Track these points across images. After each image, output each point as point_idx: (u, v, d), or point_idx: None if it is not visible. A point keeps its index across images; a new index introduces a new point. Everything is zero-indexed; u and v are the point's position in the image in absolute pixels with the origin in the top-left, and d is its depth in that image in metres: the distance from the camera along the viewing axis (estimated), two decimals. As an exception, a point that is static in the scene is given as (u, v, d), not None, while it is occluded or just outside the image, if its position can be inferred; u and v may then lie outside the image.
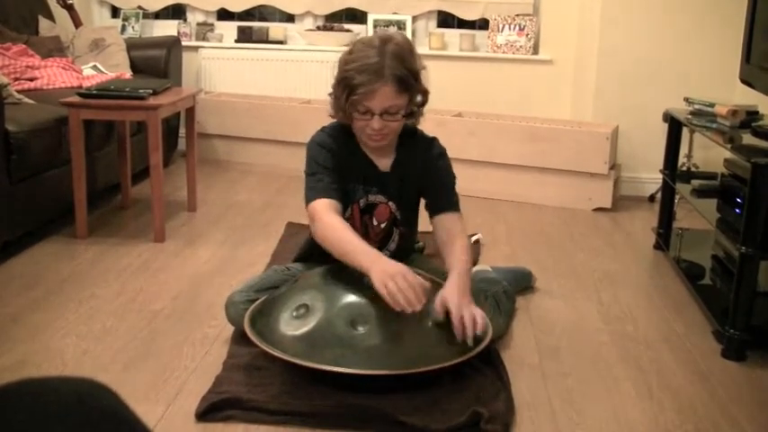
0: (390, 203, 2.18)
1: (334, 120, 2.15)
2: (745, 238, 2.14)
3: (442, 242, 2.14)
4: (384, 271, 1.82)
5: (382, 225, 2.19)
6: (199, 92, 3.73)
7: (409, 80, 1.99)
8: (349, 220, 2.14)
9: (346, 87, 1.98)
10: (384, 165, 2.16)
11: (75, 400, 0.74)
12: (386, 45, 1.98)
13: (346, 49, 2.07)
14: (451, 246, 2.09)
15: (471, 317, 1.89)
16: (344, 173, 2.12)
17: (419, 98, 2.06)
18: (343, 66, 2.01)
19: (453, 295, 1.92)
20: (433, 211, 2.19)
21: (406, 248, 2.29)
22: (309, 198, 2.05)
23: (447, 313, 1.91)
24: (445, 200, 2.18)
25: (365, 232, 2.19)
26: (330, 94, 2.08)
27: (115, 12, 4.78)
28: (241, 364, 1.98)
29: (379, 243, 2.21)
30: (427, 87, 2.08)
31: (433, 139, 2.22)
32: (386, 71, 1.94)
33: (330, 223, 1.98)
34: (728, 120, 2.69)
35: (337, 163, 2.09)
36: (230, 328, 2.19)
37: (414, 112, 2.08)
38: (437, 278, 2.11)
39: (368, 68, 1.94)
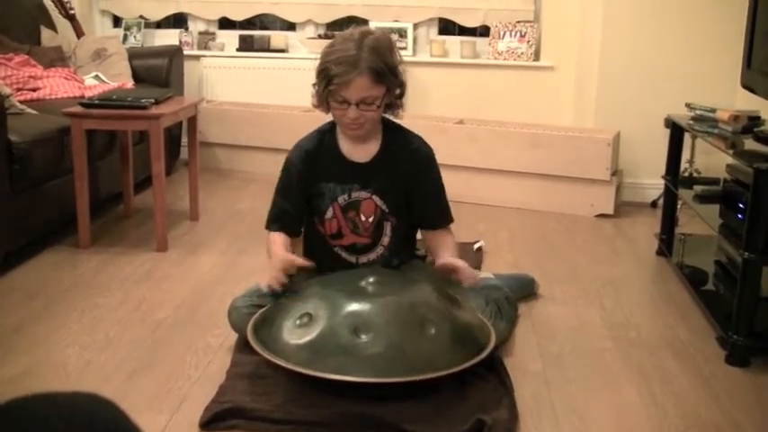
0: (375, 197, 2.22)
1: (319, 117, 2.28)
2: (747, 244, 2.14)
3: (434, 252, 2.30)
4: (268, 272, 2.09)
5: (370, 219, 2.23)
6: (201, 101, 3.74)
7: (384, 72, 2.08)
8: (332, 219, 2.22)
9: (325, 78, 2.08)
10: (363, 157, 2.22)
11: (78, 415, 0.74)
12: (364, 39, 2.08)
13: (330, 41, 2.15)
14: (443, 251, 2.25)
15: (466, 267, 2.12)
16: (318, 176, 2.22)
17: (397, 90, 2.17)
18: (323, 57, 2.11)
19: (451, 257, 2.16)
20: (426, 227, 2.31)
21: (405, 245, 2.31)
22: (267, 225, 2.28)
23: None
24: (437, 215, 2.29)
25: (354, 229, 2.22)
26: (313, 85, 2.16)
27: (117, 21, 4.80)
28: (244, 373, 1.98)
29: (372, 238, 2.24)
30: (405, 80, 2.19)
31: (418, 136, 2.29)
32: (362, 63, 2.04)
33: (268, 245, 2.23)
34: (730, 125, 2.69)
35: (305, 172, 2.22)
36: (233, 337, 2.19)
37: (393, 103, 2.19)
38: (439, 283, 2.12)
39: (345, 60, 2.04)
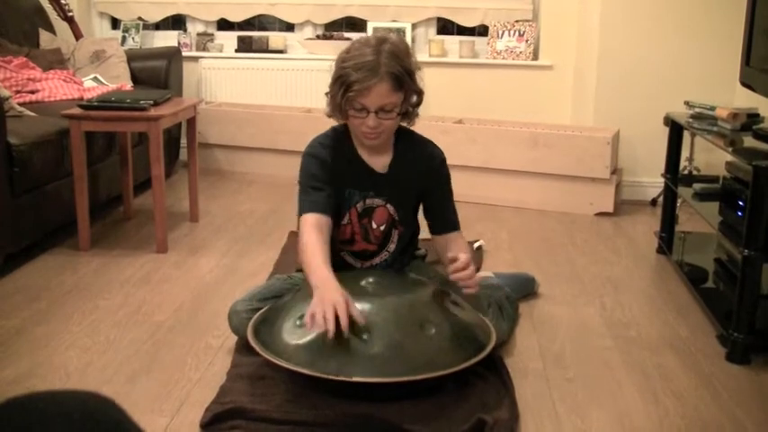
0: (388, 205, 2.20)
1: (332, 124, 2.21)
2: (747, 241, 2.14)
3: (445, 256, 2.21)
4: (322, 298, 1.82)
5: (381, 228, 2.21)
6: (200, 102, 3.73)
7: (404, 78, 2.02)
8: (347, 225, 2.19)
9: (343, 85, 2.01)
10: (380, 166, 2.19)
11: (79, 414, 0.74)
12: (382, 44, 2.02)
13: (345, 47, 2.09)
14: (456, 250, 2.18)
15: (467, 261, 2.00)
16: (339, 180, 2.14)
17: (414, 98, 2.10)
18: (340, 64, 2.05)
19: (461, 252, 2.07)
20: (438, 230, 2.27)
21: (406, 249, 2.31)
22: (300, 211, 2.09)
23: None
24: (449, 219, 2.27)
25: (365, 236, 2.21)
26: (327, 94, 2.11)
27: (115, 23, 4.80)
28: (245, 374, 1.98)
29: (379, 245, 2.23)
30: (422, 88, 2.12)
31: (430, 141, 2.26)
32: (381, 69, 1.97)
33: (306, 243, 2.00)
34: (729, 123, 2.69)
35: (331, 171, 2.12)
36: (233, 338, 2.19)
37: (409, 112, 2.12)
38: (439, 284, 2.12)
39: (364, 66, 1.98)
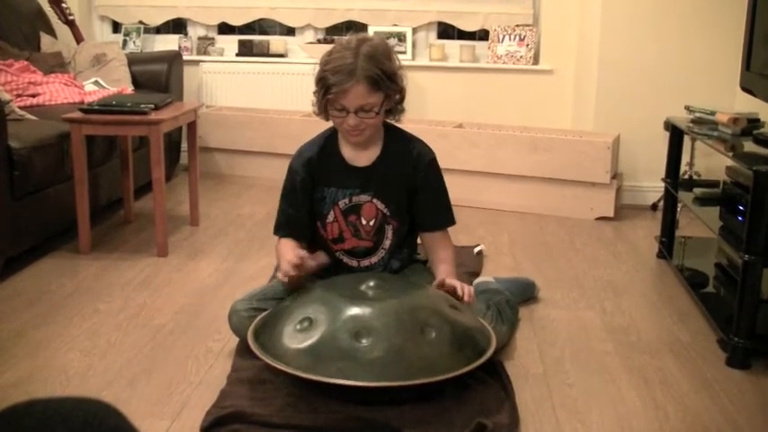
0: (375, 200, 2.23)
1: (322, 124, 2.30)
2: (747, 246, 2.14)
3: (430, 253, 2.32)
4: (280, 261, 2.15)
5: (371, 223, 2.24)
6: (200, 106, 3.74)
7: (381, 79, 2.09)
8: (333, 223, 2.24)
9: (323, 87, 2.11)
10: (364, 160, 2.24)
11: (80, 420, 0.74)
12: (361, 46, 2.09)
13: (328, 50, 2.16)
14: (439, 258, 2.26)
15: (463, 286, 2.10)
16: (321, 180, 2.24)
17: (396, 96, 2.18)
18: (322, 67, 2.13)
19: (448, 277, 2.15)
20: (424, 227, 2.31)
21: (405, 247, 2.32)
22: (275, 231, 2.30)
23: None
24: (436, 217, 2.30)
25: (355, 232, 2.23)
26: (314, 93, 2.18)
27: (116, 27, 4.80)
28: (245, 378, 1.98)
29: (374, 241, 2.26)
30: (404, 86, 2.19)
31: (419, 140, 2.30)
32: (358, 72, 2.05)
33: (276, 251, 2.27)
34: (730, 127, 2.69)
35: (307, 179, 2.24)
36: (234, 342, 2.19)
37: (393, 109, 2.20)
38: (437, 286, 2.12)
39: (342, 69, 2.06)
